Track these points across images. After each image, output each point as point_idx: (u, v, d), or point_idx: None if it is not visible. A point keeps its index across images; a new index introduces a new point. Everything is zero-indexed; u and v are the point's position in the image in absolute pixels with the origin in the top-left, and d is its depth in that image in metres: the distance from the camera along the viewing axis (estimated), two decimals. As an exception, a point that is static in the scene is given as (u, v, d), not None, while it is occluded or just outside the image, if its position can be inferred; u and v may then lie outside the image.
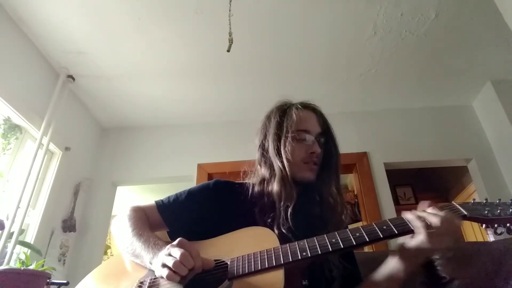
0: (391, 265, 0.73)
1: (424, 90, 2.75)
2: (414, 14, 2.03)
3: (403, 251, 0.70)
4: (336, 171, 0.95)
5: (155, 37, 2.13)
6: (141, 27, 2.05)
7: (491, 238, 3.07)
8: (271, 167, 0.93)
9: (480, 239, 3.41)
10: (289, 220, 0.83)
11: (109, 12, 1.96)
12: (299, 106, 0.99)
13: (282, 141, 0.92)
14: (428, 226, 0.65)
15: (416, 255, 0.67)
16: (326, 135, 0.97)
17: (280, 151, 0.91)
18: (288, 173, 0.89)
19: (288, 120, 0.95)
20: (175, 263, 0.66)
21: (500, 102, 2.54)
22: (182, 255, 0.67)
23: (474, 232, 3.59)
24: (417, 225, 0.66)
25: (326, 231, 0.84)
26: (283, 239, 0.79)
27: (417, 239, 0.66)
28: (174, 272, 0.66)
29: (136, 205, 0.94)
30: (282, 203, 0.86)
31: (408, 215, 0.69)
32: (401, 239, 0.69)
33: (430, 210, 0.68)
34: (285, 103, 1.02)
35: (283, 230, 0.81)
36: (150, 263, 0.73)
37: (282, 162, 0.90)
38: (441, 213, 0.66)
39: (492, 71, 2.55)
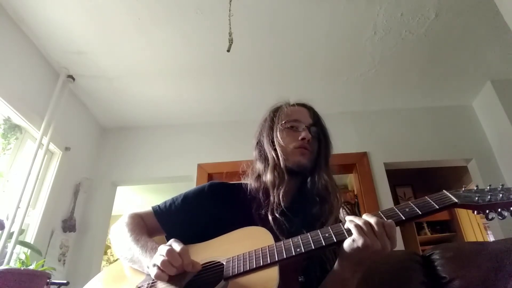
0: (335, 266, 0.75)
1: (424, 90, 2.75)
2: (414, 14, 2.03)
3: (340, 253, 0.72)
4: (325, 159, 0.97)
5: (155, 37, 2.13)
6: (141, 27, 2.05)
7: (491, 238, 3.07)
8: (266, 159, 0.97)
9: (480, 239, 3.42)
10: (281, 203, 0.85)
11: (109, 12, 1.96)
12: (291, 103, 1.05)
13: (275, 131, 0.97)
14: (359, 229, 0.66)
15: (349, 254, 0.68)
16: (317, 127, 0.99)
17: (274, 140, 0.96)
18: (281, 160, 0.92)
19: (280, 113, 1.01)
20: (162, 262, 0.68)
21: (500, 102, 2.54)
22: (168, 252, 0.69)
23: (474, 233, 3.59)
24: (348, 226, 0.68)
25: (319, 215, 0.86)
26: (276, 224, 0.82)
27: (349, 240, 0.68)
28: (162, 271, 0.68)
29: (134, 212, 0.95)
30: (275, 189, 0.89)
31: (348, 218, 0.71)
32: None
33: (364, 215, 0.70)
34: (278, 103, 1.08)
35: (276, 215, 0.84)
36: (148, 267, 0.74)
37: (275, 149, 0.94)
38: (369, 218, 0.68)
39: (492, 71, 2.55)
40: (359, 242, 0.65)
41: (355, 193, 3.09)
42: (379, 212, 0.71)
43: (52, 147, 2.31)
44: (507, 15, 1.69)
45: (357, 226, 0.66)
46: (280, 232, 0.80)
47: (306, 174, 0.95)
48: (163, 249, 0.70)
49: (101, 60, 2.30)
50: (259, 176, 0.97)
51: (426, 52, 2.34)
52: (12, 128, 2.08)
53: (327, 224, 0.85)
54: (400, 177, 3.39)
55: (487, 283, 1.06)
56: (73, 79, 2.41)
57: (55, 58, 2.27)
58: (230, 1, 1.71)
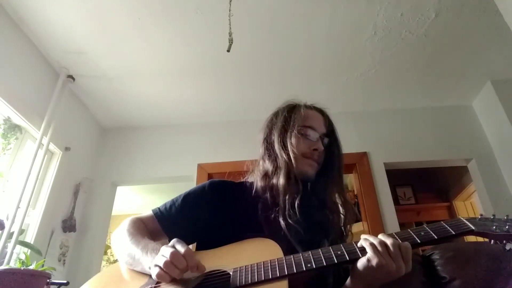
0: (347, 284, 0.74)
1: (424, 90, 2.75)
2: (414, 14, 2.03)
3: (352, 271, 0.71)
4: (338, 172, 0.97)
5: (155, 37, 2.13)
6: (141, 27, 2.05)
7: (491, 238, 3.06)
8: (275, 160, 0.94)
9: (480, 239, 3.41)
10: (297, 211, 0.83)
11: (109, 12, 1.96)
12: (308, 105, 1.02)
13: (288, 134, 0.94)
14: (375, 249, 0.65)
15: (362, 273, 0.67)
16: (330, 137, 0.98)
17: (286, 144, 0.93)
18: (294, 165, 0.90)
19: (296, 115, 0.97)
20: (165, 263, 0.66)
21: (500, 102, 2.54)
22: (171, 254, 0.67)
23: (474, 232, 3.58)
24: (363, 244, 0.67)
25: (326, 223, 0.86)
26: (289, 229, 0.81)
27: (363, 259, 0.66)
28: (164, 272, 0.66)
29: (134, 216, 0.93)
30: (287, 196, 0.86)
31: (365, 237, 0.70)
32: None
33: (380, 235, 0.69)
34: (294, 102, 1.05)
35: (290, 221, 0.82)
36: (149, 268, 0.72)
37: (288, 154, 0.91)
38: (384, 238, 0.67)
39: (492, 71, 2.55)
40: (374, 261, 0.64)
41: (355, 193, 3.09)
42: (394, 233, 0.70)
43: (52, 147, 2.31)
44: (507, 15, 1.69)
45: (372, 245, 0.65)
46: (292, 237, 0.80)
47: (315, 185, 0.95)
48: (165, 250, 0.68)
49: (101, 60, 2.30)
50: (266, 175, 0.94)
51: (426, 52, 2.34)
52: (12, 128, 2.08)
53: (334, 234, 0.86)
54: (400, 177, 3.38)
55: (487, 283, 1.06)
56: (73, 79, 2.41)
57: (55, 58, 2.27)
58: (230, 1, 1.71)
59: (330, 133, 0.99)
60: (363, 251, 0.67)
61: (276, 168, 0.92)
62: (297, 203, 0.85)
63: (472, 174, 2.74)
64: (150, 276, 0.75)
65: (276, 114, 1.03)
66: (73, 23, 2.03)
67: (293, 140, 0.92)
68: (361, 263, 0.67)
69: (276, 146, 0.95)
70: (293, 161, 0.90)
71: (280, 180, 0.89)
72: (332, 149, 0.97)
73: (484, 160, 2.63)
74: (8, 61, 1.95)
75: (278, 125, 0.98)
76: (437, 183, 3.85)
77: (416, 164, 2.86)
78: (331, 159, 0.96)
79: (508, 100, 2.53)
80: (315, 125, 0.96)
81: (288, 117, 0.98)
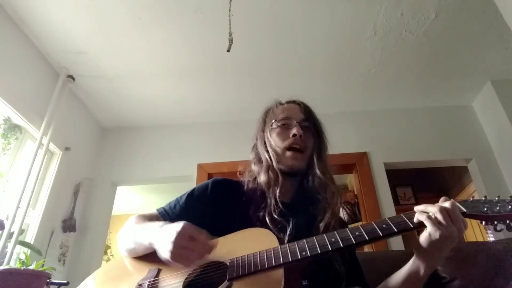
0: (409, 264, 0.75)
1: (424, 90, 2.75)
2: (414, 14, 2.03)
3: (417, 249, 0.72)
4: (318, 154, 0.96)
5: (155, 37, 2.13)
6: (141, 27, 2.05)
7: (491, 238, 3.07)
8: (260, 160, 0.97)
9: (480, 239, 3.42)
10: (279, 204, 0.85)
11: (109, 12, 1.96)
12: (281, 102, 1.05)
13: (266, 132, 0.98)
14: (432, 218, 0.66)
15: (429, 249, 0.68)
16: (309, 121, 0.98)
17: (266, 143, 0.96)
18: (274, 161, 0.92)
19: (271, 114, 1.01)
20: (176, 257, 0.69)
21: (500, 102, 2.54)
22: (185, 258, 0.69)
23: (474, 233, 3.59)
24: (421, 218, 0.67)
25: (316, 211, 0.86)
26: (273, 224, 0.82)
27: (426, 232, 0.67)
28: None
29: (139, 214, 0.95)
30: (270, 190, 0.89)
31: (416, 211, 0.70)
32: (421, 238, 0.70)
33: (440, 202, 0.69)
34: (269, 105, 1.07)
35: (274, 215, 0.84)
36: (156, 233, 0.75)
37: (267, 151, 0.94)
38: (443, 204, 0.68)
39: (492, 71, 2.55)
40: (437, 233, 0.64)
41: (355, 193, 3.09)
42: (386, 219, 0.69)
43: (52, 147, 2.31)
44: (507, 15, 1.69)
45: (430, 218, 0.66)
46: (278, 232, 0.80)
47: (304, 173, 0.95)
48: (181, 243, 0.70)
49: (101, 60, 2.30)
50: (255, 178, 0.97)
51: (426, 52, 2.34)
52: (12, 128, 2.08)
53: (324, 220, 0.85)
54: (400, 177, 3.38)
55: (487, 283, 1.06)
56: (73, 79, 2.41)
57: (55, 58, 2.27)
58: (230, 1, 1.71)
59: (309, 117, 0.99)
60: (357, 236, 0.66)
61: (260, 169, 0.95)
62: (278, 195, 0.86)
63: (472, 174, 2.74)
64: (149, 269, 0.77)
65: (258, 122, 1.06)
66: (73, 23, 2.03)
67: (272, 136, 0.96)
68: (423, 238, 0.67)
69: (259, 148, 0.98)
70: (273, 155, 0.93)
71: (262, 177, 0.92)
72: (312, 131, 0.98)
73: (484, 160, 2.63)
74: (8, 61, 1.95)
75: (259, 129, 1.03)
76: (437, 183, 3.85)
77: (416, 164, 2.86)
78: (313, 142, 0.97)
79: (508, 100, 2.53)
80: (290, 114, 0.98)
81: (265, 118, 1.02)
